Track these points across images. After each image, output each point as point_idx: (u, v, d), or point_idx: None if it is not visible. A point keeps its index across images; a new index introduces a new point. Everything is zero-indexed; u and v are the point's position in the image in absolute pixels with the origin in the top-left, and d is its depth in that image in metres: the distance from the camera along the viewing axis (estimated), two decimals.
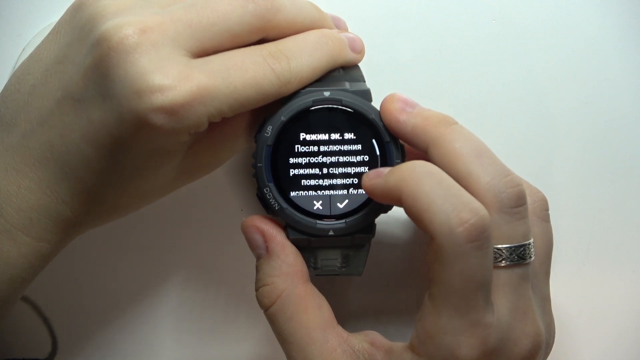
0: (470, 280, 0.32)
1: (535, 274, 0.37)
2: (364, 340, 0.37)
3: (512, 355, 0.34)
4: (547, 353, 0.38)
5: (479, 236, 0.32)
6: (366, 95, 0.38)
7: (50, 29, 0.37)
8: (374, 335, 0.37)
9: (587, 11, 0.46)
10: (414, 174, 0.33)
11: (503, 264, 0.34)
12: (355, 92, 0.37)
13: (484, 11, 0.46)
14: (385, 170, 0.35)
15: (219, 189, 0.45)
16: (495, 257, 0.34)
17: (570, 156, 0.46)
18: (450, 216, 0.32)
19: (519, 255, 0.35)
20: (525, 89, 0.46)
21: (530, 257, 0.35)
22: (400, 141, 0.37)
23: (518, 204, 0.35)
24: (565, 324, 0.47)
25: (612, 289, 0.47)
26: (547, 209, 0.39)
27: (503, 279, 0.35)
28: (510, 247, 0.34)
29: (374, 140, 0.37)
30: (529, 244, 0.35)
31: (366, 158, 0.38)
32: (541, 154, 0.46)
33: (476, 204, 0.33)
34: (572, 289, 0.47)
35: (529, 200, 0.36)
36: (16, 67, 0.44)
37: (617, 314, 0.47)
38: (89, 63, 0.33)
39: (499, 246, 0.34)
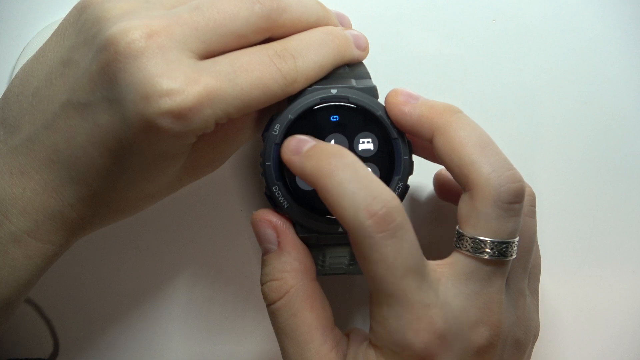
0: (393, 268, 0.33)
1: (513, 268, 0.37)
2: (351, 343, 0.37)
3: (468, 342, 0.35)
4: (520, 349, 0.38)
5: (388, 226, 0.32)
6: (372, 92, 0.38)
7: (50, 29, 0.36)
8: (358, 333, 0.38)
9: (587, 11, 0.46)
10: (328, 164, 0.34)
11: (486, 256, 0.35)
12: (361, 89, 0.37)
13: (484, 11, 0.46)
14: (304, 144, 0.35)
15: (223, 188, 0.45)
16: (478, 248, 0.35)
17: (570, 156, 0.47)
18: (359, 209, 0.32)
19: (500, 252, 0.35)
20: (525, 88, 0.46)
21: (512, 255, 0.35)
22: (408, 137, 0.38)
23: (515, 200, 0.35)
24: (565, 324, 0.47)
25: (611, 289, 0.47)
26: (534, 205, 0.39)
27: (472, 268, 0.35)
28: (493, 242, 0.35)
29: (381, 137, 0.37)
30: (514, 242, 0.35)
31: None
32: (541, 154, 0.46)
33: (387, 194, 0.33)
34: (572, 289, 0.47)
35: None
36: (16, 67, 0.44)
37: (616, 314, 0.47)
38: (95, 67, 0.33)
39: (484, 238, 0.35)
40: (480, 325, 0.35)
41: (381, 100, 0.38)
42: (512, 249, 0.35)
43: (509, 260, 0.36)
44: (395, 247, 0.33)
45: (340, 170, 0.33)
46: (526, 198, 0.37)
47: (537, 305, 0.40)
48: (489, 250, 0.35)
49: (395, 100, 0.37)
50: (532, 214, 0.39)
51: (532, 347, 0.39)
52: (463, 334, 0.34)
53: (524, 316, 0.38)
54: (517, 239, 0.36)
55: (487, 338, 0.35)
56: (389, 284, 0.33)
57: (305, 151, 0.35)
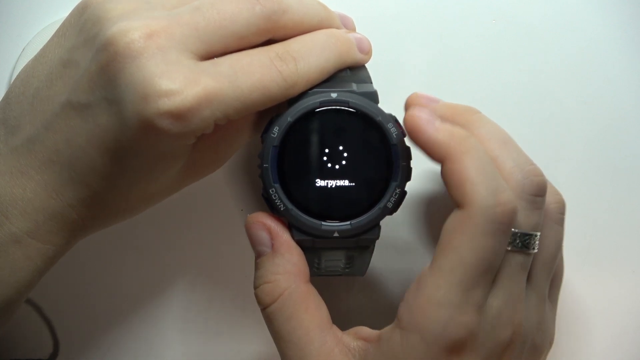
0: (485, 259, 0.33)
1: (537, 273, 0.37)
2: (356, 337, 0.37)
3: (491, 340, 0.35)
4: (536, 355, 0.38)
5: (510, 221, 0.33)
6: (373, 97, 0.37)
7: (50, 29, 0.36)
8: (364, 330, 0.37)
9: (587, 11, 0.46)
10: (466, 142, 0.34)
11: (509, 247, 0.35)
12: (362, 94, 0.37)
13: (484, 11, 0.46)
14: (436, 118, 0.35)
15: (222, 188, 0.45)
16: None
17: (570, 156, 0.46)
18: (493, 194, 0.33)
19: (523, 243, 0.35)
20: (526, 89, 0.46)
21: (534, 248, 0.35)
22: (406, 144, 0.37)
23: (538, 193, 0.35)
24: (565, 324, 0.47)
25: (612, 289, 0.47)
26: (563, 213, 0.39)
27: (503, 262, 0.35)
28: (516, 232, 0.35)
29: (380, 143, 0.37)
30: (536, 235, 0.35)
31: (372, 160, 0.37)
32: (541, 154, 0.46)
33: (511, 192, 0.34)
34: (572, 289, 0.47)
35: (547, 199, 0.37)
36: (16, 67, 0.44)
37: (616, 314, 0.47)
38: (95, 68, 0.33)
39: None
40: (507, 325, 0.35)
41: (383, 103, 0.38)
42: (535, 241, 0.35)
43: (531, 254, 0.36)
44: (500, 243, 0.34)
45: (477, 150, 0.34)
46: (556, 205, 0.38)
47: (555, 314, 0.40)
48: (513, 241, 0.35)
49: (416, 103, 0.37)
50: (561, 222, 0.39)
51: (546, 356, 0.39)
52: (489, 332, 0.34)
53: (543, 321, 0.38)
54: (539, 233, 0.36)
55: (509, 337, 0.35)
56: (469, 273, 0.33)
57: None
